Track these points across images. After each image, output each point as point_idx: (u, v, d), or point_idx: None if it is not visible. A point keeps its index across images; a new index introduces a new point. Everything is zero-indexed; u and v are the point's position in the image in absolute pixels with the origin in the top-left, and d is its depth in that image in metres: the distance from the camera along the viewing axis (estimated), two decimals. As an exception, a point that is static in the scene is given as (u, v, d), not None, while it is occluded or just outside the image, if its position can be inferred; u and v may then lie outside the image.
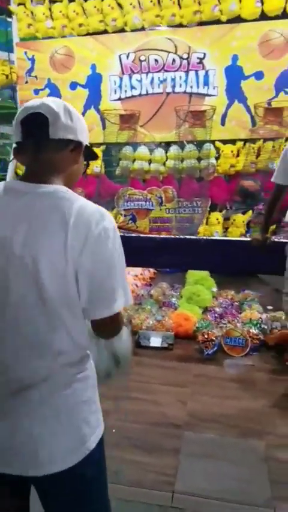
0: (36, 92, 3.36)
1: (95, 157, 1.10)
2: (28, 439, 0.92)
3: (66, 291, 0.88)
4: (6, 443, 0.93)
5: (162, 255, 2.97)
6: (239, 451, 1.98)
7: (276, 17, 2.86)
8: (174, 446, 1.99)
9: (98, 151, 3.22)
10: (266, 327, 3.07)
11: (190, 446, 1.99)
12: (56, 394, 0.93)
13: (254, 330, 2.97)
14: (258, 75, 2.94)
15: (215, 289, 3.72)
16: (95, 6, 3.08)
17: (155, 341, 2.96)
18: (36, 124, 0.93)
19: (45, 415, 0.92)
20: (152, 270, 4.59)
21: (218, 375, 2.63)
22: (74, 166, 1.00)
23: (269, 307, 3.48)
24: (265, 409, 2.29)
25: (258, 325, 3.05)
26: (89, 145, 1.05)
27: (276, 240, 2.65)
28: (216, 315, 3.26)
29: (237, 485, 1.77)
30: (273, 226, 2.83)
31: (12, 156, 1.03)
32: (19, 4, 3.30)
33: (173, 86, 3.10)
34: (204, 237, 2.96)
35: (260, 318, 3.16)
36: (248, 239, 2.72)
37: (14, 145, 0.99)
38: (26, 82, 3.37)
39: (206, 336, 2.85)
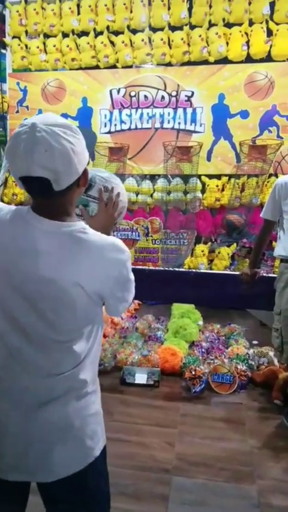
0: (27, 122, 3.35)
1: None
2: (43, 448, 1.00)
3: (84, 318, 1.00)
4: (21, 452, 1.00)
5: (151, 287, 2.91)
6: (231, 497, 1.88)
7: (261, 60, 2.98)
8: (162, 493, 1.88)
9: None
10: (253, 363, 3.02)
11: (179, 493, 1.89)
12: (71, 407, 1.02)
13: (241, 366, 2.91)
14: (244, 114, 3.03)
15: (201, 322, 3.66)
16: (88, 43, 3.15)
17: (140, 378, 2.85)
18: (38, 186, 0.92)
19: (60, 427, 1.01)
20: (136, 301, 4.51)
21: (206, 414, 2.53)
22: (79, 189, 1.02)
23: (255, 342, 3.44)
24: (255, 451, 2.21)
25: (246, 361, 3.00)
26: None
27: (265, 274, 2.63)
28: (203, 350, 3.19)
29: (230, 537, 1.67)
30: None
31: (0, 182, 1.03)
32: (14, 37, 3.34)
33: (162, 122, 3.16)
34: (194, 270, 2.93)
35: (247, 353, 3.10)
36: (237, 273, 2.69)
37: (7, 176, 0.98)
38: (17, 112, 3.37)
39: (193, 373, 2.77)
